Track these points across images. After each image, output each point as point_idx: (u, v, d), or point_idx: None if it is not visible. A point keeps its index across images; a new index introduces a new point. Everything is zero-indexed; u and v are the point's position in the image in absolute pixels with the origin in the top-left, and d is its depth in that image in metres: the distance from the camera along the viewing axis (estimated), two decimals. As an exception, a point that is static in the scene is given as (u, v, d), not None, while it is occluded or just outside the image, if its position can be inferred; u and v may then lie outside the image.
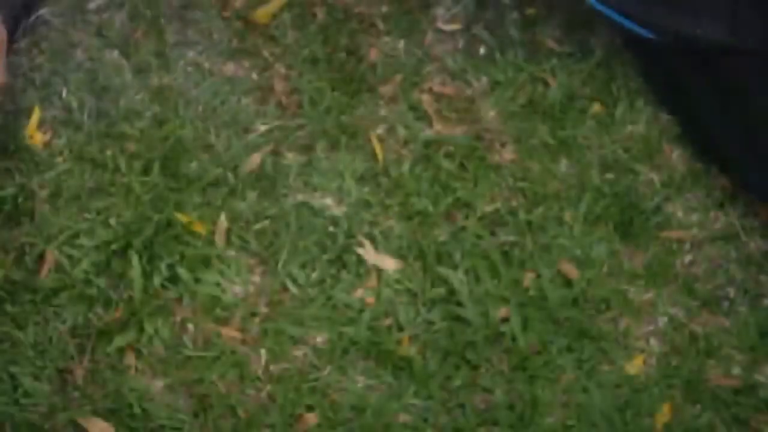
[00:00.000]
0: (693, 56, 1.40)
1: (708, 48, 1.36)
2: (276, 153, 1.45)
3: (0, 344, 1.34)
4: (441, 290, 1.37)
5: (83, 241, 1.37)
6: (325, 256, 1.40)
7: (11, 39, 1.45)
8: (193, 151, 1.44)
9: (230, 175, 1.43)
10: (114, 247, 1.36)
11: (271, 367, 1.31)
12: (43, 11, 1.52)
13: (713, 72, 1.39)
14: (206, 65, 1.51)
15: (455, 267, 1.38)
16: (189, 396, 1.29)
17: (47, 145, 1.45)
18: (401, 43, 1.56)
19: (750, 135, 1.35)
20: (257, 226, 1.39)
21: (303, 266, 1.37)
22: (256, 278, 1.37)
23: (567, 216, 1.42)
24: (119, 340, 1.31)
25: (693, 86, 1.42)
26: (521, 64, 1.52)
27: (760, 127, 1.33)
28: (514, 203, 1.43)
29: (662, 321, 1.39)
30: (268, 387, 1.30)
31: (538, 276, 1.38)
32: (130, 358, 1.31)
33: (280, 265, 1.37)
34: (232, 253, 1.38)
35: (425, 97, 1.51)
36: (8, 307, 1.35)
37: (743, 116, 1.36)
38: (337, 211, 1.43)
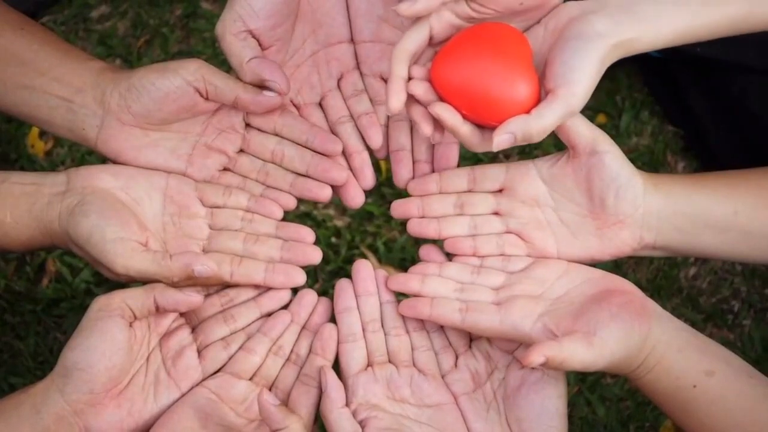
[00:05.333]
0: (695, 73, 1.40)
1: (708, 65, 1.36)
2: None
3: (0, 354, 1.34)
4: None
5: (84, 251, 1.37)
6: (328, 267, 1.39)
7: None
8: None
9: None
10: (115, 257, 1.35)
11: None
12: (45, 19, 1.51)
13: (715, 89, 1.38)
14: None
15: (458, 279, 1.37)
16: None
17: (49, 154, 1.45)
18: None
19: (754, 153, 1.35)
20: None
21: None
22: (258, 289, 1.36)
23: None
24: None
25: (696, 102, 1.42)
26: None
27: (764, 146, 1.33)
28: (517, 215, 1.43)
29: (666, 334, 1.38)
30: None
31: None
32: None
33: (282, 276, 1.36)
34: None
35: (429, 108, 1.50)
36: (9, 317, 1.35)
37: (746, 134, 1.36)
38: (340, 222, 1.42)
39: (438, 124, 0.82)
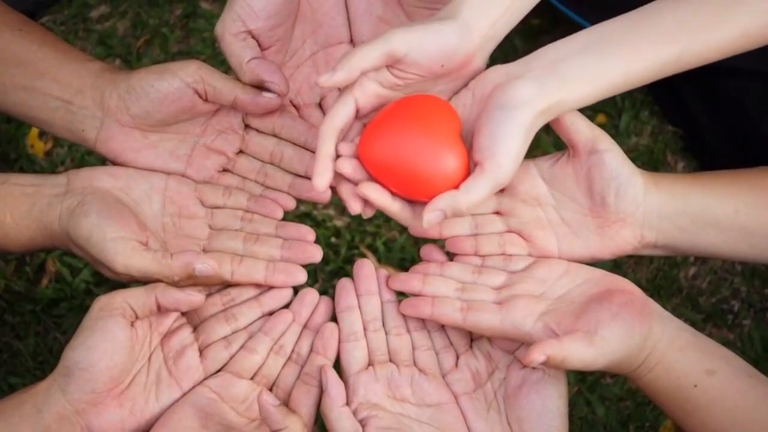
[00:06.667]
0: (694, 75, 1.39)
1: (707, 68, 1.36)
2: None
3: (0, 354, 1.34)
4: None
5: (84, 251, 1.37)
6: (328, 267, 1.39)
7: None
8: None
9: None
10: (115, 257, 1.35)
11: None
12: (45, 19, 1.51)
13: (713, 92, 1.38)
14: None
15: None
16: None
17: (48, 154, 1.45)
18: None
19: (750, 156, 1.35)
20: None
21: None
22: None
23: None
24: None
25: (694, 104, 1.42)
26: (525, 75, 1.51)
27: (761, 148, 1.33)
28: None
29: (666, 334, 1.38)
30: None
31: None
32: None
33: (282, 276, 1.36)
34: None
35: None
36: (8, 318, 1.35)
37: (743, 136, 1.36)
38: (340, 222, 1.42)
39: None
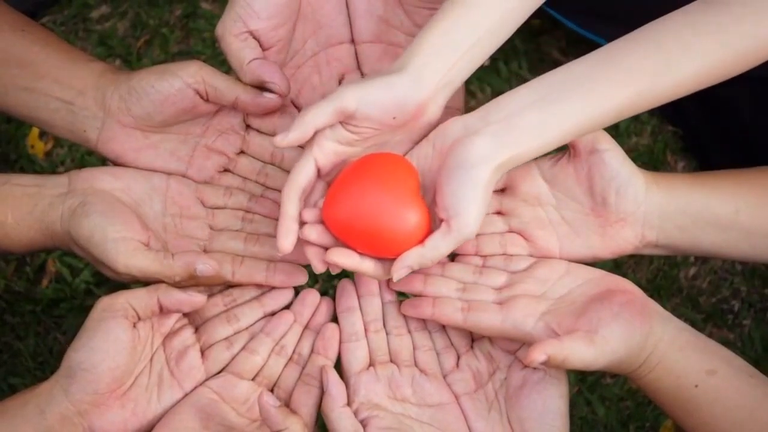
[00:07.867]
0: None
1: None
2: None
3: (0, 355, 1.34)
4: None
5: (84, 251, 1.36)
6: (328, 268, 1.39)
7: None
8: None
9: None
10: (115, 257, 1.35)
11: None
12: (45, 20, 1.51)
13: (710, 95, 1.38)
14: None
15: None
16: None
17: (48, 154, 1.45)
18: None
19: (746, 158, 1.35)
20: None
21: (305, 277, 1.37)
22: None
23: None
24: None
25: (691, 106, 1.42)
26: (525, 75, 1.51)
27: (759, 152, 1.33)
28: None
29: (666, 334, 1.38)
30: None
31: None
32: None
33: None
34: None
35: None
36: (8, 318, 1.35)
37: (738, 140, 1.36)
38: (340, 222, 1.42)
39: None
